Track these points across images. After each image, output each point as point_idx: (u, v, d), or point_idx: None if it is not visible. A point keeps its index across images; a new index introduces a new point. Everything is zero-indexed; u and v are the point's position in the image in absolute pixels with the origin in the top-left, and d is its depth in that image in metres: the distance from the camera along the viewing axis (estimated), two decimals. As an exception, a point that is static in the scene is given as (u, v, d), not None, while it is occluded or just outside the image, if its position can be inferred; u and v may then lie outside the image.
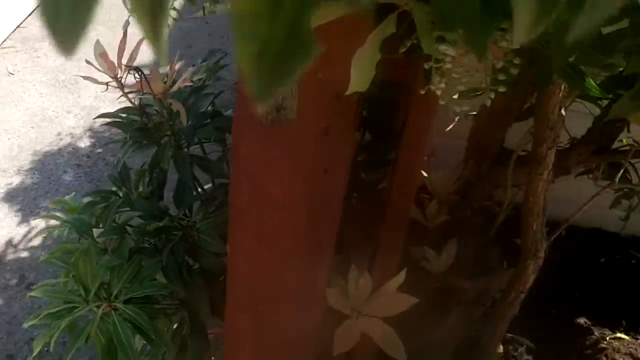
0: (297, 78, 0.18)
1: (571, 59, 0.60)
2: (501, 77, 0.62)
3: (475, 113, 1.53)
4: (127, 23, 1.08)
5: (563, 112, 1.14)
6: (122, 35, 1.21)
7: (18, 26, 3.36)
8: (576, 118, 1.43)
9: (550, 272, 1.65)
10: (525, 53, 0.60)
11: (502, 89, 0.63)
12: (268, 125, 0.82)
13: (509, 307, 1.44)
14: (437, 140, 1.75)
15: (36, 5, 0.23)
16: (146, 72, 1.26)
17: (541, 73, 0.67)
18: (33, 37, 3.30)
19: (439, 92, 0.64)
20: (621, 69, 0.70)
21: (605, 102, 1.24)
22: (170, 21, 1.30)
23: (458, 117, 1.71)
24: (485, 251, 1.76)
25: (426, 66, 0.63)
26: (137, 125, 1.25)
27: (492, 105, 1.44)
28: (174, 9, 1.28)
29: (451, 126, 1.74)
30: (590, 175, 1.51)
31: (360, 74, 0.63)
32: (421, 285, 1.35)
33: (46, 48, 3.25)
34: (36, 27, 3.35)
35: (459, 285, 1.68)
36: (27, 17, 3.40)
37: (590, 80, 0.62)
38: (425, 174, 1.78)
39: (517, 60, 0.61)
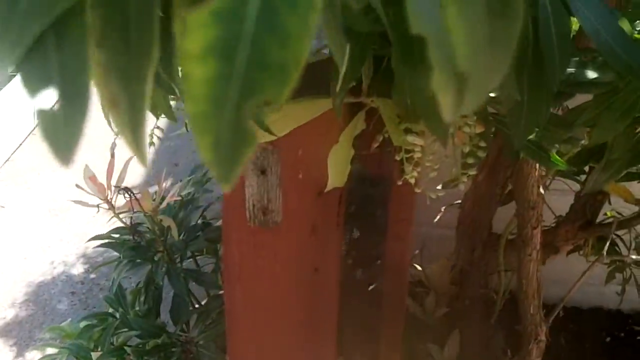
0: (245, 163, 0.22)
1: (532, 137, 0.63)
2: (470, 160, 0.65)
3: (460, 202, 1.56)
4: (113, 145, 1.12)
5: (542, 190, 1.18)
6: (110, 158, 1.26)
7: (6, 160, 3.44)
8: (560, 196, 1.46)
9: (556, 357, 1.63)
10: (489, 136, 0.64)
11: (472, 172, 0.66)
12: (256, 229, 0.85)
13: (518, 395, 1.42)
14: (427, 231, 1.77)
15: (35, 124, 0.26)
16: (137, 192, 1.30)
17: (509, 152, 0.71)
18: (22, 170, 3.36)
19: (412, 181, 0.67)
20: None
21: (584, 178, 1.27)
22: (155, 140, 1.36)
23: (444, 207, 1.74)
24: (488, 340, 1.74)
25: (397, 157, 0.66)
26: (130, 244, 1.27)
27: (476, 192, 1.47)
28: (158, 127, 1.34)
29: (439, 217, 1.77)
30: (581, 252, 1.51)
31: (336, 171, 0.66)
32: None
33: (36, 179, 3.30)
34: (25, 160, 3.41)
35: (467, 378, 1.65)
36: (15, 151, 3.48)
37: (555, 155, 0.65)
38: (419, 268, 1.79)
39: (482, 143, 0.64)
